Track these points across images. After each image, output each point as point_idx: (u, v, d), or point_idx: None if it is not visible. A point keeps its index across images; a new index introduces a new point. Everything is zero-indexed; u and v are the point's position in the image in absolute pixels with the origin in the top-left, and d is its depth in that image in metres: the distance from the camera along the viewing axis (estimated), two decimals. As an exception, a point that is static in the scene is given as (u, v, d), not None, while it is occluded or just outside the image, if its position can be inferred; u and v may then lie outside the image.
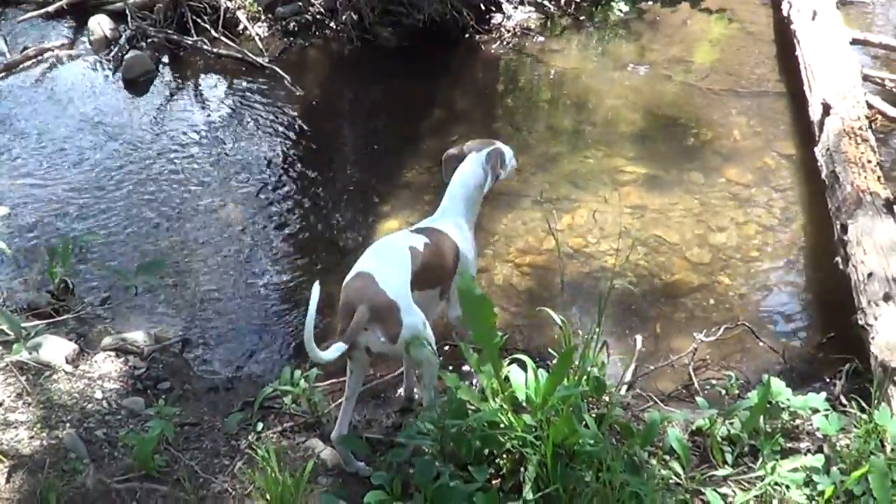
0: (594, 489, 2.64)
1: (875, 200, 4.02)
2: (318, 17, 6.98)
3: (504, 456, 2.84)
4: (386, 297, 2.83)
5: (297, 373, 3.44)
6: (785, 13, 6.27)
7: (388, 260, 3.00)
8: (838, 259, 4.01)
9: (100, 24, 6.87)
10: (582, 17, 7.14)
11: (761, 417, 3.04)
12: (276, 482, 2.80)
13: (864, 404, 3.12)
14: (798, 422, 3.18)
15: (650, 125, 5.78)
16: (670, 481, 2.84)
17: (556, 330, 3.29)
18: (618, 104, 6.01)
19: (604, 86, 6.27)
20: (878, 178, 4.22)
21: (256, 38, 6.79)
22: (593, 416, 2.91)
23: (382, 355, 2.99)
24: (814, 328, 4.15)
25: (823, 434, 3.05)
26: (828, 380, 3.71)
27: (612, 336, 3.97)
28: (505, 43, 6.87)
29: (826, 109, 4.78)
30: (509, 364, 2.97)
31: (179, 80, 6.56)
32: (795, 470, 2.84)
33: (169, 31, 6.74)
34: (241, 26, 6.91)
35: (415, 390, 3.47)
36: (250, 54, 6.56)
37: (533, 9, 7.18)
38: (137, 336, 3.90)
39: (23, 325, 3.68)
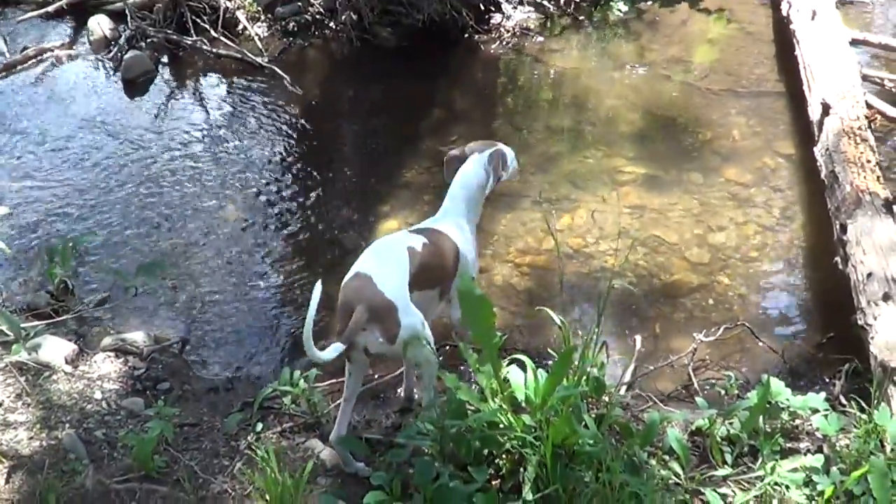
0: (594, 489, 2.64)
1: (874, 200, 4.02)
2: (317, 17, 6.98)
3: (504, 456, 2.84)
4: (384, 298, 2.83)
5: (297, 373, 3.44)
6: (784, 13, 6.27)
7: (386, 260, 3.00)
8: (838, 259, 4.01)
9: (99, 24, 6.87)
10: (581, 17, 7.14)
11: (761, 417, 3.04)
12: (276, 483, 2.80)
13: (863, 404, 3.12)
14: (798, 422, 3.17)
15: (649, 125, 5.78)
16: (670, 481, 2.84)
17: (556, 330, 3.30)
18: (617, 104, 6.01)
19: (603, 86, 6.27)
20: (878, 177, 4.22)
21: (256, 38, 6.79)
22: (593, 416, 2.90)
23: (381, 356, 2.99)
24: (813, 328, 4.15)
25: (823, 434, 3.05)
26: (827, 380, 3.71)
27: (611, 336, 3.98)
28: (504, 43, 6.88)
29: (825, 109, 4.78)
30: (509, 364, 2.97)
31: (179, 81, 6.57)
32: (795, 470, 2.83)
33: (168, 31, 6.75)
34: (240, 26, 6.92)
35: (414, 390, 3.47)
36: (250, 54, 6.56)
37: (532, 9, 7.18)
38: (137, 336, 3.90)
39: (22, 325, 3.67)
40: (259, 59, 6.52)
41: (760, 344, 3.93)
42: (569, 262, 4.46)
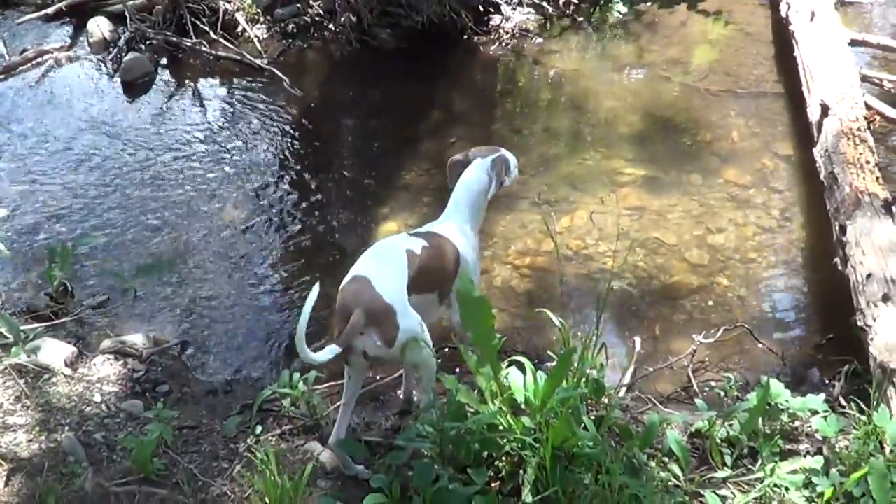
0: (593, 491, 2.63)
1: (874, 201, 4.02)
2: (316, 18, 6.99)
3: (503, 458, 2.83)
4: (382, 302, 2.83)
5: (296, 375, 3.43)
6: (783, 14, 6.28)
7: (385, 263, 3.00)
8: (837, 260, 4.01)
9: (99, 26, 6.88)
10: (580, 19, 7.14)
11: (760, 419, 3.04)
12: (275, 485, 2.80)
13: (863, 406, 3.11)
14: (797, 423, 3.17)
15: (649, 126, 5.78)
16: (669, 483, 2.84)
17: (555, 332, 3.30)
18: (616, 105, 6.01)
19: (602, 87, 6.27)
20: (877, 178, 4.22)
21: (255, 39, 6.79)
22: (592, 418, 2.90)
23: (379, 359, 2.98)
24: (813, 329, 4.15)
25: (822, 436, 3.04)
26: (827, 381, 3.71)
27: (610, 338, 3.98)
28: (503, 44, 6.88)
29: (824, 110, 4.78)
30: (508, 366, 2.97)
31: (178, 82, 6.57)
32: (794, 472, 2.83)
33: (168, 33, 6.75)
34: (239, 28, 6.92)
35: (414, 393, 3.47)
36: (249, 56, 6.57)
37: (531, 10, 7.18)
38: (136, 339, 3.90)
39: (21, 327, 3.68)
40: (258, 61, 6.52)
41: (760, 345, 3.93)
42: (568, 264, 4.46)
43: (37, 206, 5.04)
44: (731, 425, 3.07)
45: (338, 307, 2.89)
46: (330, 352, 2.76)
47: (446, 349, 3.76)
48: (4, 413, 3.31)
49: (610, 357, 3.73)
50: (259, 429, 3.30)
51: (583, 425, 2.78)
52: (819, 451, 3.01)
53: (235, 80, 6.49)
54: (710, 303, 4.27)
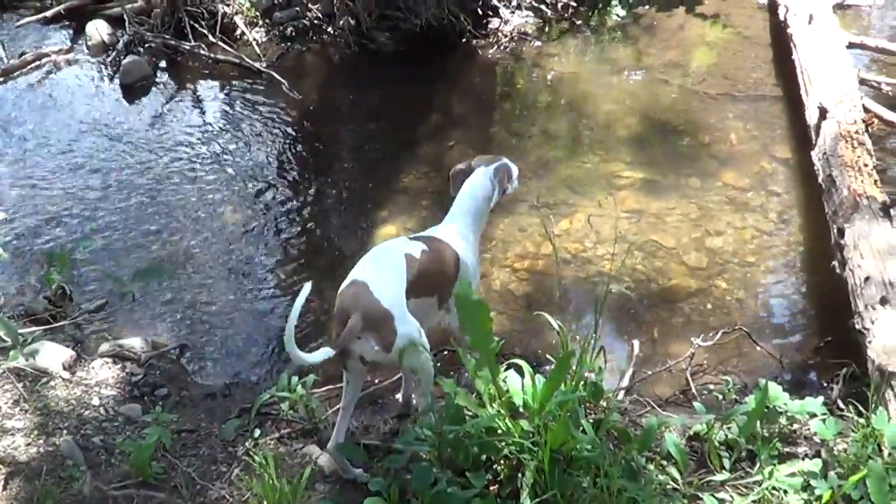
0: (592, 495, 2.64)
1: (872, 204, 4.02)
2: (315, 22, 6.99)
3: (501, 462, 2.83)
4: (380, 306, 2.83)
5: (295, 379, 3.43)
6: (781, 17, 6.29)
7: (383, 268, 3.00)
8: (835, 263, 4.01)
9: (98, 30, 6.88)
10: (579, 22, 7.15)
11: (759, 422, 3.04)
12: (274, 489, 2.80)
13: (861, 408, 3.12)
14: (795, 426, 3.18)
15: (647, 130, 5.78)
16: (668, 486, 2.84)
17: (554, 335, 3.30)
18: (615, 108, 6.02)
19: (600, 90, 6.27)
20: (875, 181, 4.23)
21: (254, 43, 6.80)
22: (591, 421, 2.90)
23: (377, 364, 2.98)
24: (811, 332, 4.15)
25: (821, 438, 3.04)
26: (825, 384, 3.71)
27: (609, 341, 3.97)
28: (502, 48, 6.88)
29: (822, 113, 4.79)
30: (506, 369, 2.97)
31: (177, 86, 6.57)
32: (793, 475, 2.83)
33: (166, 37, 6.77)
34: (238, 31, 6.93)
35: (413, 396, 3.47)
36: (248, 59, 6.58)
37: (530, 13, 7.19)
38: (134, 342, 3.90)
39: (20, 331, 3.68)
40: (257, 64, 6.53)
41: (758, 348, 3.93)
42: (566, 267, 4.46)
43: (36, 208, 5.05)
44: (729, 428, 3.07)
45: (336, 311, 2.90)
46: (323, 353, 2.76)
47: (445, 352, 3.76)
48: (3, 416, 3.31)
49: (608, 360, 3.73)
50: (257, 432, 3.30)
51: (581, 428, 2.79)
52: (817, 454, 3.01)
53: (234, 84, 6.49)
54: (709, 306, 4.27)
